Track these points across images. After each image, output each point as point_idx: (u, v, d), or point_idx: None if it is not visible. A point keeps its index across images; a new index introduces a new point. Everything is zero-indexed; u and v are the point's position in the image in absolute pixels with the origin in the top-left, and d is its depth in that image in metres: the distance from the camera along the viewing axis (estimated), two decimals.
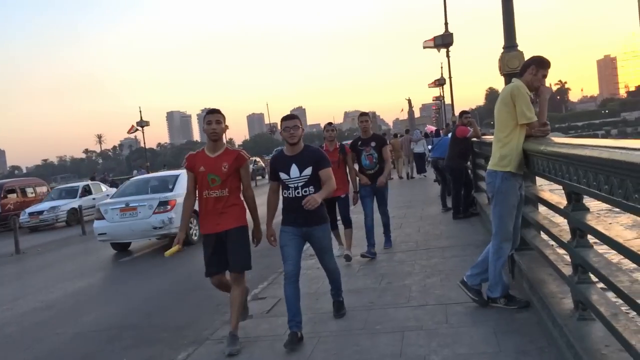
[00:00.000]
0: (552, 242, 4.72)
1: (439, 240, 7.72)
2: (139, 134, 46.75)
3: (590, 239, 3.22)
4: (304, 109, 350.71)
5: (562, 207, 3.50)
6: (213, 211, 4.43)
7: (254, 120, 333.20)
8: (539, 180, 4.72)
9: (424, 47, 26.29)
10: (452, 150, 9.59)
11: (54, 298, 7.95)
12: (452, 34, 23.60)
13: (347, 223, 7.21)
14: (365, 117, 7.22)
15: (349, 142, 7.98)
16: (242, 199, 4.58)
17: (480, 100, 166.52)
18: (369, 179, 7.08)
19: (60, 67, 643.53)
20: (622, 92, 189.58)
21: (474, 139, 9.27)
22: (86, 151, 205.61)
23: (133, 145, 61.72)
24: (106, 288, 8.65)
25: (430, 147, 18.62)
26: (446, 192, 10.85)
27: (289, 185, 4.44)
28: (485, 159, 8.93)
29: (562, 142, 3.36)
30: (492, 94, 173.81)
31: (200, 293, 6.77)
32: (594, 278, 3.15)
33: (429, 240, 7.84)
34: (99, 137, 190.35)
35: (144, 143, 50.33)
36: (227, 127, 4.62)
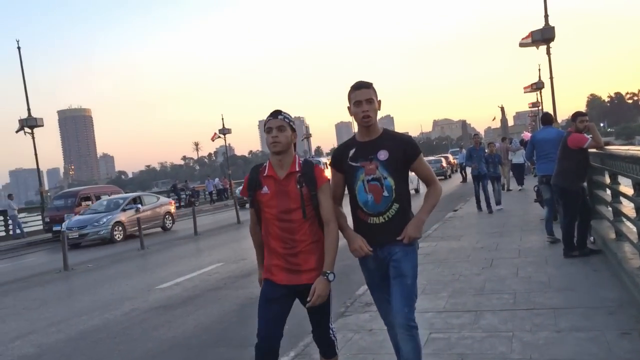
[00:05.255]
0: None
1: (547, 294, 5.38)
2: (229, 141, 48.61)
3: None
4: (392, 117, 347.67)
5: None
6: None
7: (342, 128, 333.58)
8: None
9: (521, 46, 23.48)
10: (562, 164, 7.11)
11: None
12: (553, 27, 20.57)
13: (330, 349, 3.20)
14: (365, 93, 3.03)
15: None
16: None
17: (581, 108, 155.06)
18: (372, 238, 3.05)
19: (162, 77, 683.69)
20: None
21: (592, 150, 6.91)
22: (184, 158, 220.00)
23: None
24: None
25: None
26: (553, 217, 8.39)
27: None
28: (612, 177, 6.59)
29: None
30: (594, 101, 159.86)
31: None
32: None
33: (533, 292, 5.53)
34: (196, 144, 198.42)
35: (227, 150, 52.24)
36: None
